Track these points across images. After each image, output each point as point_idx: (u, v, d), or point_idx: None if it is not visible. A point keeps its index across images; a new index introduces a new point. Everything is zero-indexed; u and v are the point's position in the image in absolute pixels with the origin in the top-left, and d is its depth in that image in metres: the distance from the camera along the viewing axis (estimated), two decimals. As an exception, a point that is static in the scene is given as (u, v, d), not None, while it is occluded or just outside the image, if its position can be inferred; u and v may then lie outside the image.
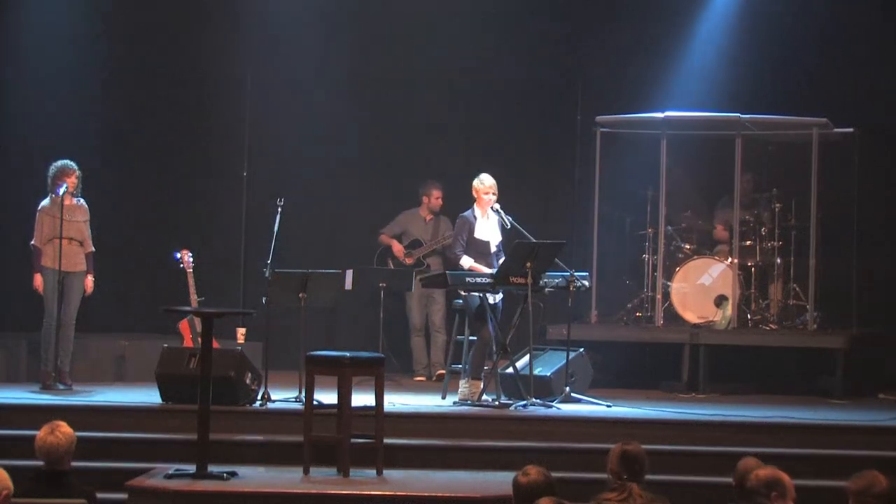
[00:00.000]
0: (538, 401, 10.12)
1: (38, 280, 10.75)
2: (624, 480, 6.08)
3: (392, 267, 12.41)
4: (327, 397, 9.05)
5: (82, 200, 10.93)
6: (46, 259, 10.75)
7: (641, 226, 12.80)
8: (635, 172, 12.77)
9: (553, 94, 13.06)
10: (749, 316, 12.32)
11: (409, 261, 12.64)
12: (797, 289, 12.47)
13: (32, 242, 10.83)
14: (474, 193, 10.61)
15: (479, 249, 10.56)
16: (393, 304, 12.45)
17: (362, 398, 9.04)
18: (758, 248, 12.53)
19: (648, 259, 12.66)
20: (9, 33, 12.99)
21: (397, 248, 12.67)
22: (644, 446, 9.19)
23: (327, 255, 12.57)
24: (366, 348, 10.23)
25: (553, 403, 10.19)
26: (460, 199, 12.29)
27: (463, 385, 10.46)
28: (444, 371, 11.28)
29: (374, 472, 8.51)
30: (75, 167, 10.79)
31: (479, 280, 10.29)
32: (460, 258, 10.55)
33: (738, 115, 12.35)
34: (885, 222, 12.78)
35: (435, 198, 12.70)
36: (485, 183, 10.56)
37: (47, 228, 10.78)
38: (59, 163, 10.82)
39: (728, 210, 12.65)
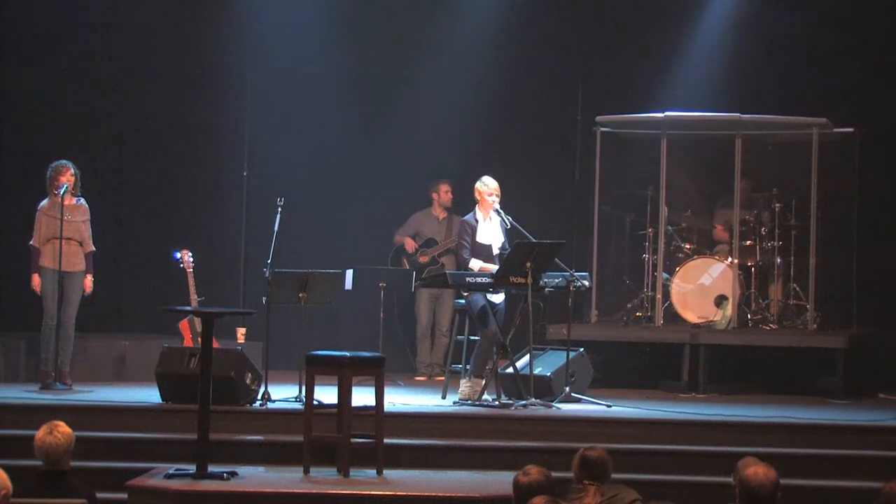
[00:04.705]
0: (538, 401, 10.12)
1: (36, 280, 10.75)
2: (585, 484, 6.09)
3: (407, 266, 12.42)
4: (327, 397, 9.05)
5: (83, 200, 10.92)
6: (45, 259, 10.75)
7: (641, 226, 12.80)
8: (635, 172, 12.77)
9: (553, 94, 13.05)
10: (749, 316, 12.31)
11: (423, 259, 12.67)
12: (797, 289, 12.47)
13: (31, 243, 10.83)
14: (476, 196, 10.58)
15: (483, 253, 10.54)
16: (398, 303, 12.47)
17: (362, 398, 9.04)
18: (758, 247, 12.53)
19: (648, 259, 12.65)
20: (8, 33, 12.99)
21: (410, 244, 12.70)
22: (644, 446, 9.32)
23: (327, 255, 12.56)
24: (366, 348, 10.22)
25: (553, 403, 10.19)
26: (460, 200, 12.33)
27: (463, 385, 10.45)
28: (442, 377, 11.26)
29: (374, 472, 8.51)
30: (70, 165, 10.78)
31: (479, 280, 10.29)
32: (468, 261, 10.54)
33: (738, 115, 12.34)
34: (885, 222, 12.77)
35: (444, 192, 12.73)
36: (488, 185, 10.52)
37: (45, 228, 10.78)
38: (55, 163, 10.84)
39: (728, 210, 12.65)
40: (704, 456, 9.18)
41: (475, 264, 10.50)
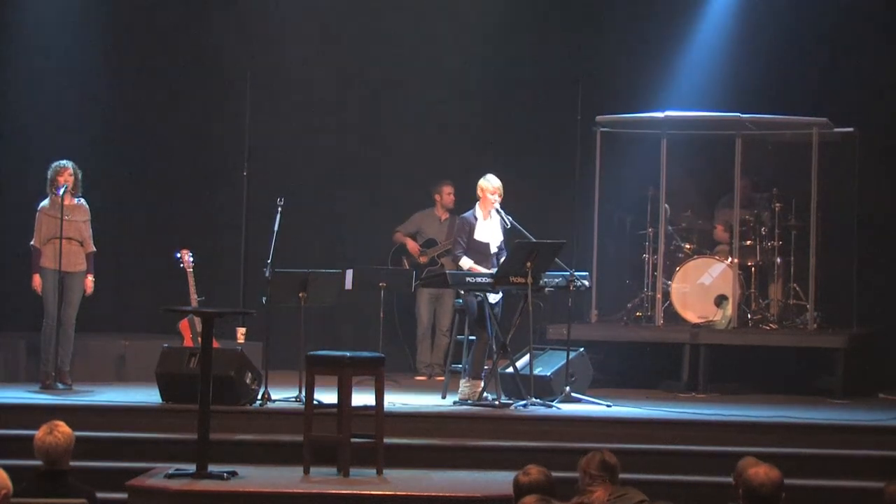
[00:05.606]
0: (538, 401, 10.12)
1: (37, 281, 10.75)
2: (597, 483, 6.08)
3: (407, 266, 12.42)
4: (327, 397, 9.05)
5: (83, 200, 10.93)
6: (45, 259, 10.75)
7: (641, 226, 12.80)
8: (635, 172, 12.77)
9: (553, 94, 13.05)
10: (749, 316, 12.32)
11: (423, 259, 12.68)
12: (797, 288, 12.47)
13: (31, 243, 10.83)
14: (479, 192, 10.58)
15: (480, 250, 10.54)
16: (398, 303, 12.46)
17: (362, 398, 9.04)
18: (758, 247, 12.53)
19: (648, 259, 12.65)
20: (9, 33, 12.99)
21: (412, 245, 12.70)
22: (644, 446, 9.33)
23: (327, 255, 12.57)
24: (366, 348, 10.22)
25: (553, 403, 10.19)
26: (460, 199, 12.32)
27: (463, 385, 10.45)
28: (442, 377, 11.26)
29: (374, 471, 8.51)
30: (68, 165, 10.78)
31: (479, 280, 10.28)
32: (460, 259, 10.55)
33: (738, 114, 12.34)
34: (885, 222, 12.77)
35: (447, 194, 12.74)
36: (492, 183, 10.51)
37: (45, 228, 10.78)
38: (55, 163, 10.84)
39: (728, 210, 12.65)
40: (704, 456, 9.18)
41: (465, 263, 10.50)
